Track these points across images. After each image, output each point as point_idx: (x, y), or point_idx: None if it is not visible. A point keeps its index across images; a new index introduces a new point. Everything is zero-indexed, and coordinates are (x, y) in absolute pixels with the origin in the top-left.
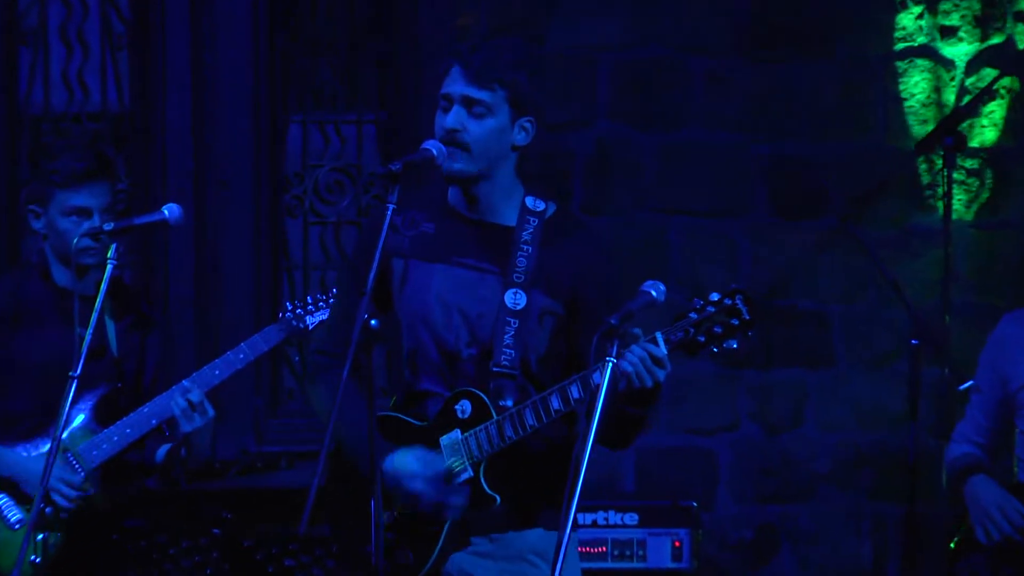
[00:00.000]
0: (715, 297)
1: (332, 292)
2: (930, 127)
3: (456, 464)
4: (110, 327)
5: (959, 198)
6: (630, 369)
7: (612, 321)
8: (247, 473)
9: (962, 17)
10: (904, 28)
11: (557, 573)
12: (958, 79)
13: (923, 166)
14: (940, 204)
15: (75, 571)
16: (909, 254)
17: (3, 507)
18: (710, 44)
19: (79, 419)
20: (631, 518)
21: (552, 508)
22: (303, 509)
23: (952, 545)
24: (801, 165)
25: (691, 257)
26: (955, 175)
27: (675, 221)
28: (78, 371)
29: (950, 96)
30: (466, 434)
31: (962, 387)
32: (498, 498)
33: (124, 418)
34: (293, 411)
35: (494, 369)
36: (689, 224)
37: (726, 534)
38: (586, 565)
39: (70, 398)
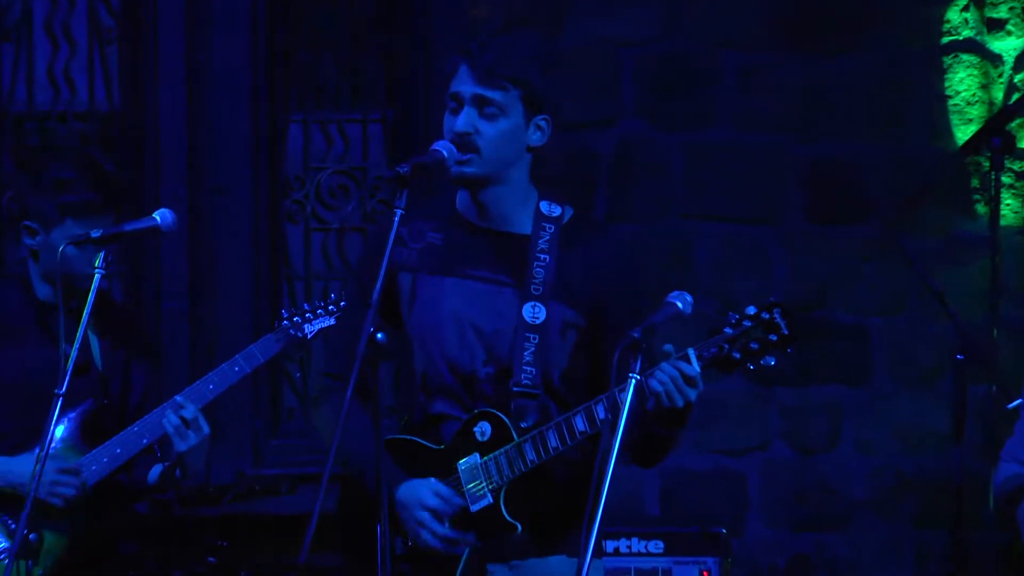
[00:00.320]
0: (752, 311)
1: (331, 298)
2: (976, 127)
3: (475, 489)
4: (94, 343)
5: (1008, 203)
6: (660, 389)
7: (635, 334)
8: (244, 498)
9: (1010, 9)
10: (949, 21)
11: None
12: (1006, 75)
13: (970, 169)
14: (987, 209)
15: None
16: (954, 263)
17: None
18: (743, 37)
19: (60, 430)
20: (656, 546)
21: (576, 533)
22: (304, 537)
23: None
24: (840, 168)
25: (721, 267)
26: (1003, 178)
27: (704, 228)
28: (63, 388)
29: (998, 93)
30: (486, 458)
31: (1011, 406)
32: (519, 526)
33: (113, 437)
34: (294, 431)
35: (514, 389)
36: (719, 232)
37: (757, 563)
38: None
39: (55, 416)
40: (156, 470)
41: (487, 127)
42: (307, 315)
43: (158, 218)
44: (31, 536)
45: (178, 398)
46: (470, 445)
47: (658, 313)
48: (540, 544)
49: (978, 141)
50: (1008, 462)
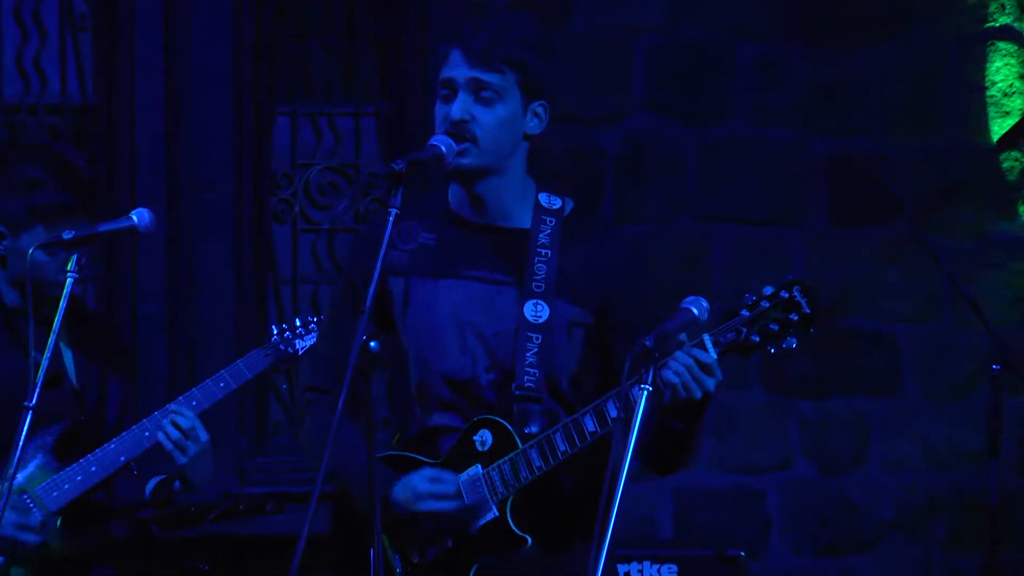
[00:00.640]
0: (769, 291)
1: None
2: (1013, 119)
3: (477, 504)
4: (67, 353)
5: None
6: (675, 380)
7: (647, 342)
8: (228, 518)
9: None
10: (984, 6)
11: None
12: None
13: (1005, 165)
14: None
15: None
16: (989, 266)
17: None
18: (760, 26)
19: (33, 460)
20: (669, 570)
21: (587, 555)
22: (292, 559)
23: None
24: (865, 165)
25: (738, 271)
26: None
27: (720, 230)
28: (33, 401)
29: None
30: (488, 468)
31: None
32: (529, 539)
33: (89, 455)
34: (280, 448)
35: (516, 392)
36: (735, 233)
37: None
38: None
39: (24, 431)
40: (152, 483)
41: (484, 113)
42: (298, 330)
43: (135, 218)
44: None
45: (171, 406)
46: (470, 456)
47: (672, 320)
48: (553, 559)
49: (1016, 135)
50: None
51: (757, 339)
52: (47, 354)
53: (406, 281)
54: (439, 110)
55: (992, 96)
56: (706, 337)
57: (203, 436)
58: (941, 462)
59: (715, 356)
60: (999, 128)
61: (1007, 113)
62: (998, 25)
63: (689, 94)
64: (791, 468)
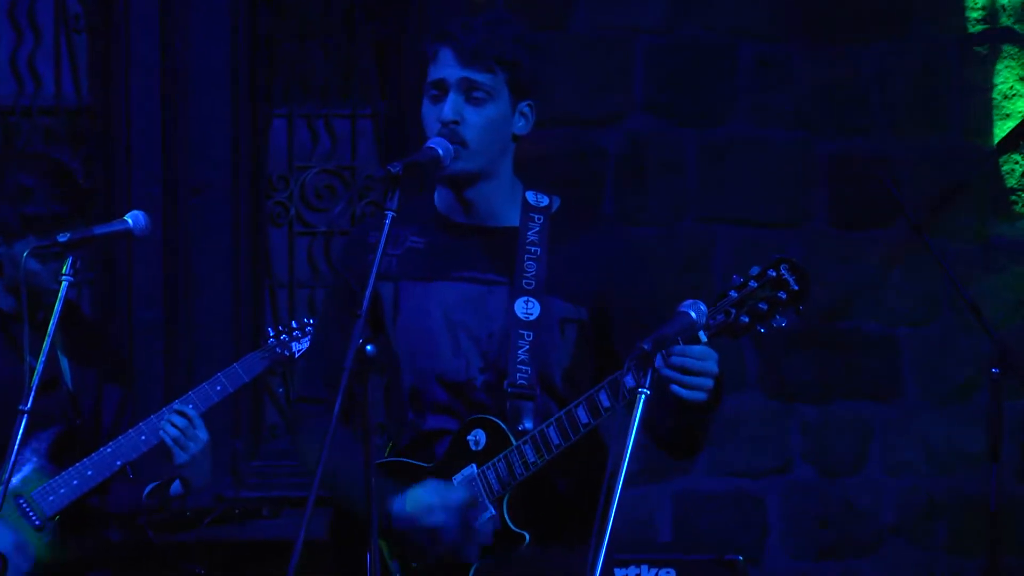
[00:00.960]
0: (756, 271)
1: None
2: (1014, 122)
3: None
4: (62, 358)
5: None
6: (687, 394)
7: (644, 346)
8: (224, 522)
9: None
10: (984, 7)
11: None
12: None
13: (1005, 168)
14: None
15: None
16: (989, 269)
17: None
18: (761, 26)
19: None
20: (667, 574)
21: (584, 558)
22: (288, 564)
23: None
24: (866, 166)
25: (738, 272)
26: None
27: (720, 232)
28: (28, 405)
29: None
30: (483, 467)
31: None
32: (527, 536)
33: (84, 459)
34: (276, 451)
35: (509, 390)
36: (736, 235)
37: None
38: None
39: (19, 435)
40: (150, 487)
41: (473, 114)
42: (294, 333)
43: (130, 221)
44: None
45: (176, 404)
46: (464, 457)
47: (670, 324)
48: (552, 556)
49: (1016, 137)
50: None
51: (747, 319)
52: (42, 358)
53: (395, 286)
54: (429, 111)
55: (992, 98)
56: None
57: (203, 435)
58: (942, 465)
59: (705, 340)
60: (1000, 130)
61: (1007, 115)
62: (999, 27)
63: (689, 95)
64: (791, 472)
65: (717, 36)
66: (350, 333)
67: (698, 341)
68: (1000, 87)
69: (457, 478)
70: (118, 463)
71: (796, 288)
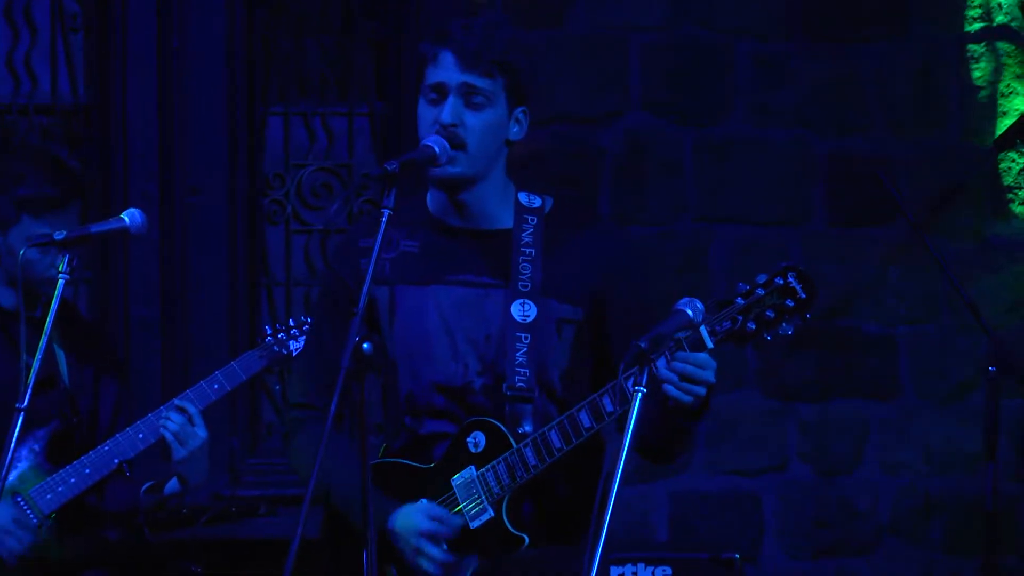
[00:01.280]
0: (762, 279)
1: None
2: (1011, 120)
3: (472, 506)
4: (60, 355)
5: None
6: (676, 393)
7: (641, 344)
8: (220, 520)
9: None
10: (981, 6)
11: None
12: None
13: (1003, 166)
14: (1022, 210)
15: None
16: (987, 269)
17: None
18: (759, 24)
19: (24, 458)
20: (663, 572)
21: (581, 556)
22: (285, 562)
23: None
24: (865, 165)
25: (737, 272)
26: None
27: (718, 231)
28: (25, 403)
29: None
30: (482, 469)
31: None
32: (527, 538)
33: (82, 457)
34: (273, 449)
35: (508, 392)
36: (734, 234)
37: None
38: None
39: (16, 433)
40: (146, 486)
41: (473, 118)
42: (292, 331)
43: (127, 219)
44: None
45: (175, 400)
46: (463, 459)
47: (667, 323)
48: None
49: (1013, 135)
50: None
51: (753, 327)
52: (39, 355)
53: (391, 290)
54: (427, 112)
55: (990, 96)
56: (703, 328)
57: (202, 432)
58: (939, 465)
59: (711, 346)
60: (997, 129)
61: (1005, 114)
62: (995, 25)
63: (687, 93)
64: (788, 471)
65: (715, 35)
66: (344, 334)
67: (704, 347)
68: (997, 85)
69: (456, 479)
70: (115, 461)
71: (803, 296)
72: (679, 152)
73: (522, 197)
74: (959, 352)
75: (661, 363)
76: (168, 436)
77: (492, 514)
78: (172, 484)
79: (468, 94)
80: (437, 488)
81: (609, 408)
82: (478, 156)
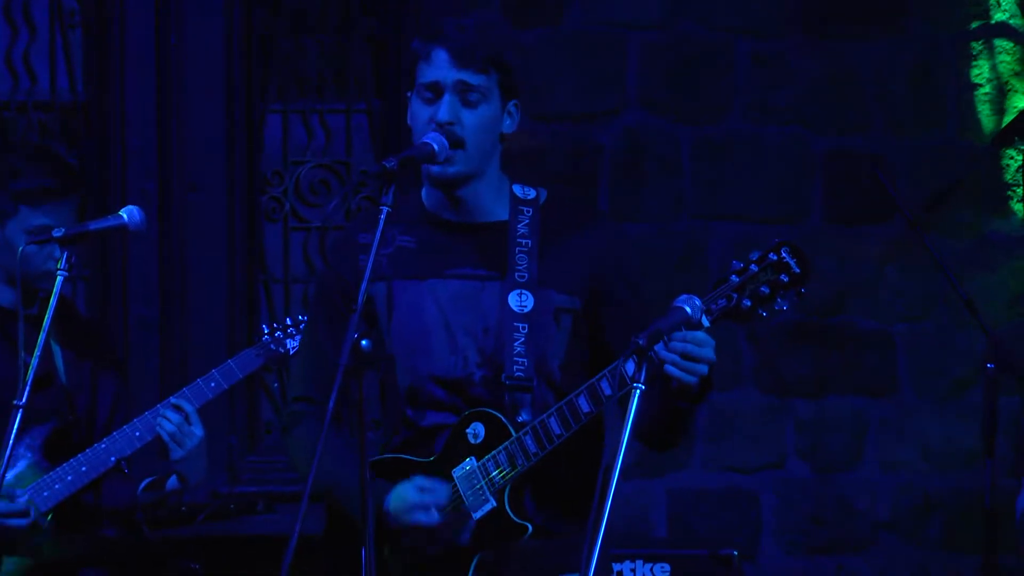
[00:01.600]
0: (756, 255)
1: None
2: (1010, 117)
3: (474, 497)
4: (57, 353)
5: None
6: (677, 373)
7: (640, 341)
8: (219, 518)
9: None
10: (979, 3)
11: None
12: None
13: (1002, 163)
14: (1021, 208)
15: None
16: (985, 266)
17: None
18: (757, 21)
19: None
20: (662, 569)
21: (580, 550)
22: (283, 559)
23: None
24: (862, 163)
25: (739, 258)
26: None
27: (716, 228)
28: (23, 400)
29: None
30: (483, 460)
31: None
32: (529, 526)
33: (79, 455)
34: (271, 447)
35: (506, 382)
36: (732, 232)
37: None
38: None
39: (14, 431)
40: (144, 482)
41: (469, 116)
42: (289, 330)
43: (125, 216)
44: None
45: (172, 399)
46: (463, 450)
47: (665, 319)
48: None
49: (1011, 133)
50: None
51: (748, 303)
52: (37, 352)
53: (388, 285)
54: (421, 111)
55: (988, 94)
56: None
57: (199, 431)
58: (937, 462)
59: (707, 325)
60: (995, 126)
61: (1003, 111)
62: (993, 23)
63: (685, 91)
64: (785, 468)
65: (713, 32)
66: (341, 331)
67: (700, 326)
68: (996, 83)
69: (456, 471)
70: (112, 459)
71: (797, 271)
72: (677, 150)
73: (517, 189)
74: (957, 349)
75: (659, 346)
76: (165, 437)
77: (494, 504)
78: (172, 481)
79: (463, 91)
80: (436, 477)
81: (607, 392)
82: (475, 153)
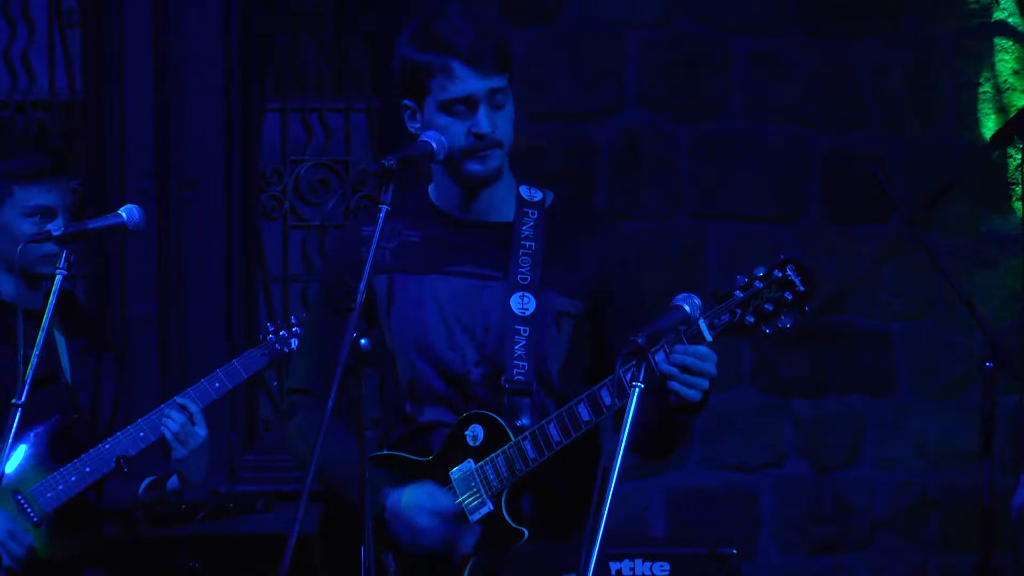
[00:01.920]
0: (761, 271)
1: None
2: (1008, 116)
3: (471, 500)
4: (62, 349)
5: None
6: (680, 389)
7: (639, 340)
8: (218, 517)
9: None
10: (978, 1)
11: None
12: None
13: (1005, 161)
14: (1019, 206)
15: None
16: (983, 264)
17: None
18: (755, 20)
19: (24, 453)
20: (661, 568)
21: (579, 550)
22: (282, 558)
23: None
24: (860, 161)
25: (732, 268)
26: None
27: (714, 226)
28: (23, 399)
29: None
30: (481, 463)
31: None
32: (526, 531)
33: (82, 455)
34: (270, 446)
35: (506, 385)
36: (730, 230)
37: None
38: None
39: (14, 430)
40: (146, 482)
41: (500, 118)
42: (294, 328)
43: (124, 215)
44: None
45: (177, 399)
46: (462, 452)
47: (664, 318)
48: (551, 552)
49: (1010, 132)
50: None
51: (752, 320)
52: (36, 350)
53: (389, 278)
54: (455, 126)
55: (986, 92)
56: (701, 321)
57: (202, 432)
58: (935, 461)
59: (710, 339)
60: (993, 124)
61: (1002, 110)
62: (992, 21)
63: (683, 89)
64: (784, 466)
65: (710, 30)
66: (341, 329)
67: (702, 340)
68: (994, 81)
69: (455, 472)
70: (115, 458)
71: (802, 289)
72: (674, 148)
73: (523, 191)
74: (954, 348)
75: (660, 358)
76: (168, 436)
77: (491, 507)
78: (173, 481)
79: (492, 96)
80: (437, 480)
81: (608, 401)
82: (507, 150)
